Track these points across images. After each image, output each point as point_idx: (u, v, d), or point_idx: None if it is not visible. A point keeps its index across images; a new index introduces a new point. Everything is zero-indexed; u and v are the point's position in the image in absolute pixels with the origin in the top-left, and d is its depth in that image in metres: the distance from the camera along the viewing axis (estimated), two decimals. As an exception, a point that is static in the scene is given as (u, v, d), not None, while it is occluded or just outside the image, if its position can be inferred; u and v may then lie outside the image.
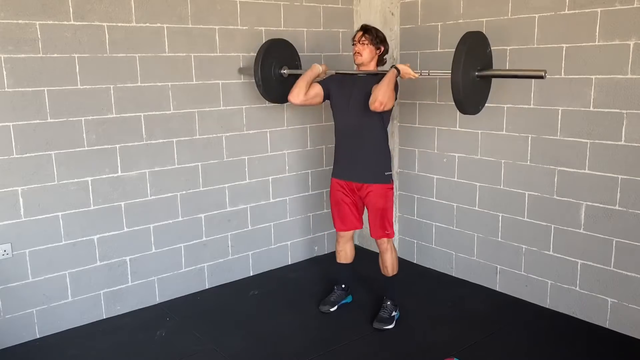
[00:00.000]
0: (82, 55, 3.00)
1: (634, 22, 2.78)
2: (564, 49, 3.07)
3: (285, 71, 3.48)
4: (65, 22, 2.93)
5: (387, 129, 3.17)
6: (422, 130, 3.94)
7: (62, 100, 2.98)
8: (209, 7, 3.44)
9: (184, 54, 3.38)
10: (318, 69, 3.20)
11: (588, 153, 3.05)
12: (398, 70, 2.94)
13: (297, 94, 3.11)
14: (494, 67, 2.90)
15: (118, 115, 3.18)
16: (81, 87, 3.03)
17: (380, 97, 2.85)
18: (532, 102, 3.26)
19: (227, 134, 3.66)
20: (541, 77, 2.59)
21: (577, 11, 2.98)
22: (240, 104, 3.68)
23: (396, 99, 3.06)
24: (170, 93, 3.36)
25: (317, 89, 3.17)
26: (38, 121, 2.93)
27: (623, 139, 2.90)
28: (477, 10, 3.44)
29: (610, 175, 2.98)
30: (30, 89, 2.88)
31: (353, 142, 3.14)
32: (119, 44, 3.12)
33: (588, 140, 3.04)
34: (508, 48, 3.31)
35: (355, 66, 3.19)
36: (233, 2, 3.53)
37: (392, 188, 3.20)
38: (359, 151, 3.13)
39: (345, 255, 3.42)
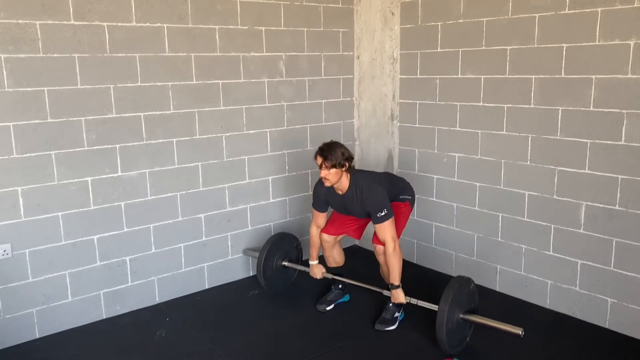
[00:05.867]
0: (82, 55, 3.00)
1: (634, 22, 2.77)
2: (564, 49, 3.06)
3: (285, 263, 3.68)
4: (65, 22, 2.93)
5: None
6: (422, 130, 3.93)
7: (62, 100, 2.98)
8: (209, 7, 3.44)
9: (184, 54, 3.38)
10: (314, 272, 3.42)
11: (588, 153, 3.05)
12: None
13: (323, 232, 3.36)
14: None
15: (118, 115, 3.18)
16: (81, 87, 3.03)
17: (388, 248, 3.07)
18: (532, 102, 3.26)
19: (227, 134, 3.66)
20: (518, 336, 2.69)
21: (577, 11, 2.98)
22: (241, 104, 3.68)
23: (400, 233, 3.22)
24: (170, 93, 3.36)
25: (322, 216, 3.32)
26: (38, 121, 2.93)
27: (623, 139, 2.90)
28: (477, 10, 3.44)
29: (610, 175, 2.98)
30: (30, 89, 2.88)
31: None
32: (119, 44, 3.12)
33: (588, 140, 3.04)
34: (508, 48, 3.31)
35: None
36: (233, 2, 3.53)
37: (407, 206, 3.29)
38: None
39: (335, 260, 3.46)
